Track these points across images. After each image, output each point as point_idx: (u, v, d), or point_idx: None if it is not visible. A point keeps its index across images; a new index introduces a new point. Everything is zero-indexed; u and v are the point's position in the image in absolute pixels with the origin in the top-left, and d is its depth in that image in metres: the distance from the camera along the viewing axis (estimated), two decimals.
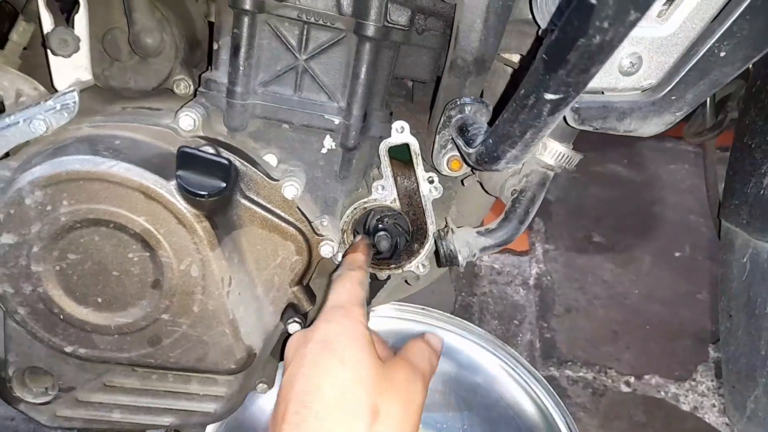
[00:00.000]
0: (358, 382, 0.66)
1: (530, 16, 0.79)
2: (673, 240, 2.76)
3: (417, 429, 0.68)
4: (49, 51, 0.77)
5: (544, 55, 0.49)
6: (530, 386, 1.46)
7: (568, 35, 0.45)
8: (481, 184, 1.01)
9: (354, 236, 1.00)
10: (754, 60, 0.69)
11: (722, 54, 0.69)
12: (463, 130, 0.79)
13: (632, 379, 2.10)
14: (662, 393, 2.05)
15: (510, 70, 0.94)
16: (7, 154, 0.78)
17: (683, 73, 0.71)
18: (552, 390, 1.43)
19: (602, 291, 2.47)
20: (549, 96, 0.51)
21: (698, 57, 0.69)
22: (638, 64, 0.70)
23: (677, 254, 2.71)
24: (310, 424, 0.63)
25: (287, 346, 0.75)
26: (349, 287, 0.79)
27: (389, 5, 0.78)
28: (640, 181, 3.29)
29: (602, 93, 0.74)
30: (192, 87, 0.91)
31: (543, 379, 1.45)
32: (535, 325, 2.28)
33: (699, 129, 1.24)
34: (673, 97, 0.73)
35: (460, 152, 0.86)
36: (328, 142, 0.88)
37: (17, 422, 1.67)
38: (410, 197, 0.99)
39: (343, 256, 0.90)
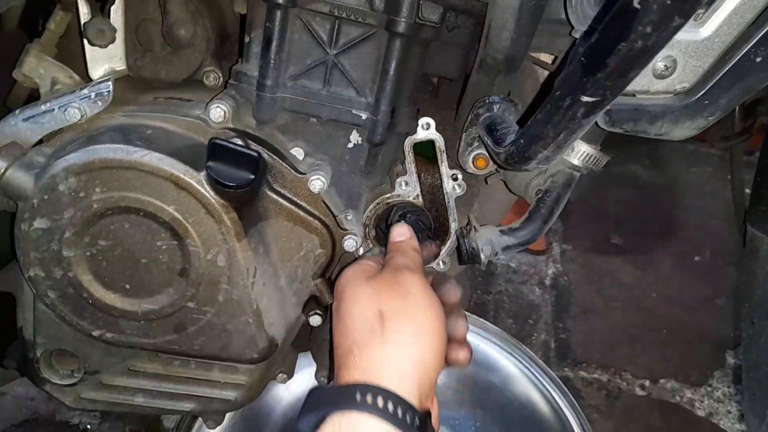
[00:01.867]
0: (375, 293, 0.73)
1: (563, 16, 0.78)
2: (693, 244, 2.73)
3: (425, 311, 0.72)
4: (85, 41, 0.78)
5: (582, 58, 0.49)
6: (545, 386, 1.45)
7: (608, 39, 0.45)
8: (505, 183, 1.01)
9: (376, 231, 1.01)
10: None
11: (758, 59, 0.68)
12: (491, 128, 0.79)
13: (647, 383, 2.08)
14: (677, 398, 2.04)
15: (538, 70, 0.94)
16: (41, 141, 0.80)
17: (718, 78, 0.70)
18: (567, 391, 1.43)
19: (620, 293, 2.45)
20: (585, 98, 0.50)
21: (734, 62, 0.69)
22: (673, 67, 0.70)
23: (697, 258, 2.68)
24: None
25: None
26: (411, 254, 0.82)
27: (421, 2, 0.78)
28: (662, 183, 3.25)
29: (634, 95, 0.74)
30: (221, 79, 0.92)
31: (558, 379, 1.44)
32: (551, 326, 2.28)
33: (727, 133, 1.23)
34: (707, 102, 0.72)
35: (487, 150, 0.86)
36: (355, 137, 0.88)
37: (37, 402, 1.70)
38: (433, 194, 0.99)
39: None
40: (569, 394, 1.43)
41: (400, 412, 0.61)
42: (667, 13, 0.41)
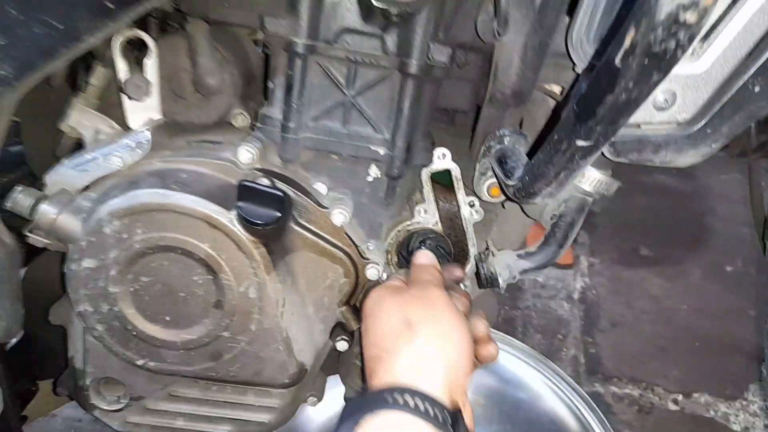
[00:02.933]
0: (403, 305, 0.77)
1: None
2: (723, 253, 2.69)
3: (450, 318, 0.75)
4: (123, 96, 0.86)
5: (575, 106, 0.53)
6: (574, 403, 1.46)
7: (596, 91, 0.49)
8: (521, 208, 1.04)
9: (398, 258, 1.05)
10: None
11: (757, 89, 0.71)
12: (502, 161, 0.83)
13: (680, 397, 2.06)
14: (711, 412, 2.01)
15: (549, 99, 0.98)
16: (87, 187, 0.87)
17: (718, 108, 0.73)
18: (596, 407, 1.43)
19: (649, 306, 2.43)
20: (580, 143, 0.54)
21: (732, 92, 0.71)
22: (672, 100, 0.73)
23: (728, 268, 2.64)
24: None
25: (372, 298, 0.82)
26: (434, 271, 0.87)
27: (431, 45, 0.83)
28: (690, 191, 3.22)
29: (638, 126, 0.77)
30: (248, 119, 0.98)
31: (587, 395, 1.45)
32: (580, 340, 2.27)
33: (744, 149, 1.24)
34: (709, 130, 0.75)
35: (498, 181, 0.89)
36: (374, 171, 0.93)
37: (84, 423, 1.78)
38: (452, 220, 1.03)
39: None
40: (598, 410, 1.44)
41: (430, 409, 0.63)
42: (645, 70, 0.45)
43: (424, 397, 0.64)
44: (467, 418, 0.70)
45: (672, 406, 2.03)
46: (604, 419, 1.43)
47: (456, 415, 0.66)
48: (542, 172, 0.62)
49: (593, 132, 0.53)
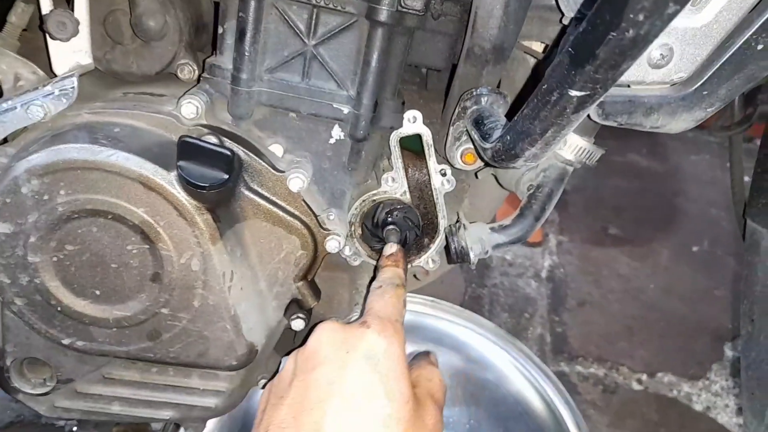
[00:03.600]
0: (397, 421, 0.64)
1: (553, 2, 0.74)
2: (692, 234, 2.70)
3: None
4: (47, 34, 0.74)
5: (570, 49, 0.45)
6: (540, 383, 1.43)
7: (597, 28, 0.41)
8: (495, 178, 0.97)
9: (362, 230, 0.97)
10: None
11: (759, 47, 0.64)
12: (479, 122, 0.75)
13: (645, 377, 2.06)
14: (675, 392, 2.01)
15: (530, 59, 0.90)
16: (4, 140, 0.76)
17: (717, 67, 0.66)
18: (562, 387, 1.40)
19: (617, 285, 2.42)
20: (574, 93, 0.46)
21: (734, 49, 0.65)
22: (669, 56, 0.66)
23: (695, 248, 2.65)
24: None
25: (317, 332, 0.71)
26: (395, 302, 0.76)
27: None
28: (661, 172, 3.22)
29: (628, 86, 0.70)
30: (196, 72, 0.87)
31: (553, 375, 1.42)
32: (547, 319, 2.25)
33: (726, 122, 1.19)
34: (705, 92, 0.68)
35: (474, 146, 0.82)
36: (337, 132, 0.84)
37: (22, 405, 1.67)
38: (421, 190, 0.96)
39: (381, 266, 0.87)
40: (564, 391, 1.41)
41: None
42: None
43: None
44: None
45: (636, 386, 2.03)
46: (570, 400, 1.40)
47: None
48: (527, 129, 0.54)
49: (590, 79, 0.45)
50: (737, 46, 0.64)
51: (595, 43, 0.42)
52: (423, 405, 0.69)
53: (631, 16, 0.39)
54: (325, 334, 0.70)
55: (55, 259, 0.74)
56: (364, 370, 0.66)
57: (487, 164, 0.88)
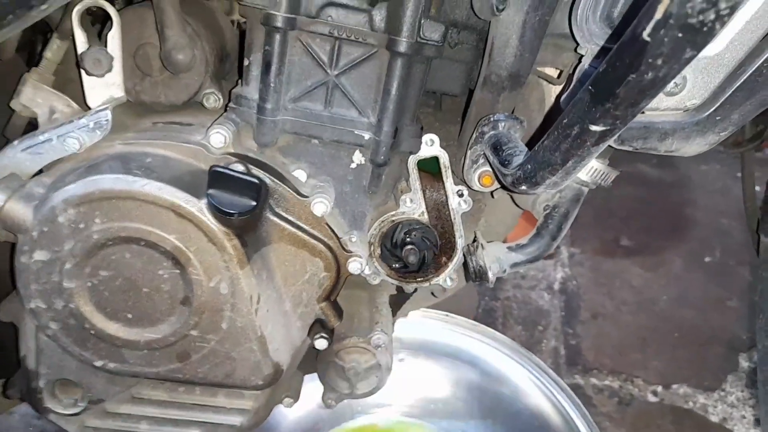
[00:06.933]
0: None
1: (568, 30, 0.76)
2: (703, 243, 2.70)
3: None
4: (82, 72, 0.77)
5: (591, 87, 0.47)
6: (555, 396, 1.44)
7: (618, 70, 0.44)
8: (511, 197, 0.99)
9: (382, 250, 0.99)
10: None
11: None
12: (497, 148, 0.77)
13: (660, 389, 2.05)
14: (690, 403, 2.01)
15: (543, 83, 0.92)
16: (40, 171, 0.79)
17: (729, 94, 0.68)
18: (578, 400, 1.41)
19: (630, 296, 2.42)
20: (595, 128, 0.49)
21: (745, 77, 0.67)
22: (683, 84, 0.68)
23: (708, 259, 2.64)
24: None
25: None
26: None
27: (422, 21, 0.76)
28: (671, 181, 3.22)
29: (643, 112, 0.72)
30: (221, 100, 0.90)
31: (568, 388, 1.43)
32: (560, 332, 2.25)
33: (738, 139, 1.20)
34: (718, 117, 0.70)
35: (493, 170, 0.84)
36: (358, 158, 0.86)
37: (44, 421, 1.69)
38: (439, 210, 0.98)
39: None
40: (580, 404, 1.41)
41: None
42: (678, 45, 0.39)
43: None
44: None
45: (651, 398, 2.02)
46: (586, 412, 1.41)
47: None
48: (547, 159, 0.56)
49: (610, 115, 0.47)
50: (749, 73, 0.66)
51: (615, 83, 0.45)
52: None
53: (650, 60, 0.41)
54: None
55: (89, 284, 0.77)
56: None
57: (505, 189, 0.90)
